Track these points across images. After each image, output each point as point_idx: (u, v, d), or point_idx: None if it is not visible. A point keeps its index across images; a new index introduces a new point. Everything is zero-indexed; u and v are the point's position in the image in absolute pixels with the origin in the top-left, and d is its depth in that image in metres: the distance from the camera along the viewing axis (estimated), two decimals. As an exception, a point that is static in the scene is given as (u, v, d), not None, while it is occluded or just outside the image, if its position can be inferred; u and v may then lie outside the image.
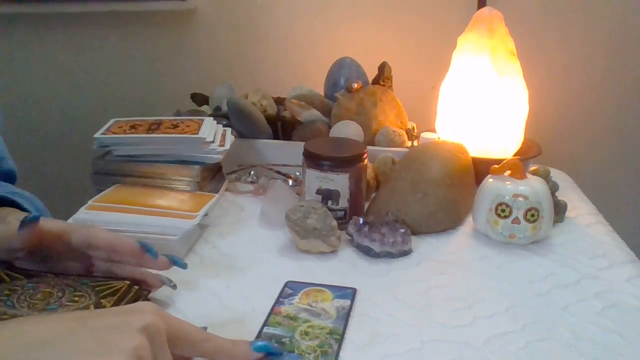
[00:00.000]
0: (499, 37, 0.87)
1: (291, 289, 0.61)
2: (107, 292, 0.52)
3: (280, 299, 0.59)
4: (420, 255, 0.70)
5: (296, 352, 0.50)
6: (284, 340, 0.52)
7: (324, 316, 0.56)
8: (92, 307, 0.49)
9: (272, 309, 0.57)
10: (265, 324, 0.55)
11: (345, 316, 0.56)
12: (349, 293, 0.61)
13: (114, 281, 0.54)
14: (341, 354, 0.51)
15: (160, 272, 0.57)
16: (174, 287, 0.58)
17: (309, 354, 0.50)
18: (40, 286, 0.52)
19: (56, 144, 1.45)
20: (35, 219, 0.54)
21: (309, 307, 0.57)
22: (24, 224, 0.53)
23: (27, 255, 0.56)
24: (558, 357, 0.51)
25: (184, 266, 0.57)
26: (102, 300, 0.50)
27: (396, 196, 0.76)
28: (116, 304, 0.51)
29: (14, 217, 0.57)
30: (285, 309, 0.57)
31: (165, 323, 0.41)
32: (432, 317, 0.57)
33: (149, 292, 0.56)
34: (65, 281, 0.54)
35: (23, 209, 0.65)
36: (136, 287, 0.54)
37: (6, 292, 0.51)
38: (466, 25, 0.90)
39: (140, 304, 0.42)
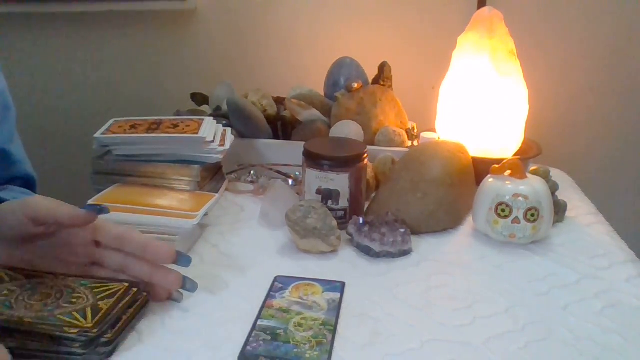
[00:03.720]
0: (499, 37, 0.87)
1: (281, 283, 0.62)
2: (105, 294, 0.52)
3: (271, 293, 0.60)
4: (420, 255, 0.70)
5: (292, 342, 0.51)
6: (278, 331, 0.53)
7: (315, 308, 0.57)
8: (89, 309, 0.49)
9: (264, 302, 0.58)
10: (258, 317, 0.55)
11: (336, 308, 0.57)
12: (338, 286, 0.62)
13: (114, 283, 0.54)
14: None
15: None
16: (179, 298, 0.58)
17: (305, 344, 0.51)
18: (39, 287, 0.52)
19: (56, 143, 1.45)
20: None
21: (300, 300, 0.59)
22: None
23: (42, 236, 0.55)
24: (558, 357, 0.51)
25: (193, 289, 0.58)
26: (99, 303, 0.51)
27: (396, 196, 0.76)
28: (114, 305, 0.51)
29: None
30: (277, 302, 0.58)
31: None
32: (432, 317, 0.57)
33: (148, 292, 0.56)
34: (64, 282, 0.54)
35: None
36: (135, 289, 0.54)
37: (5, 292, 0.51)
38: (466, 25, 0.90)
39: None
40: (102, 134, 0.80)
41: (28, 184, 0.75)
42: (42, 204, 0.53)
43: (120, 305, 0.51)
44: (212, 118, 0.87)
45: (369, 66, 1.05)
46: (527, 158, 0.91)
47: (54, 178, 1.39)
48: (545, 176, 0.77)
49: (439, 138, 0.93)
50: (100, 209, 0.55)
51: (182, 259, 0.56)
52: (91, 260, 0.57)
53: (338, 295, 0.60)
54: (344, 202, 0.74)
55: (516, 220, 0.71)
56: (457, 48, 0.91)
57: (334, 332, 0.53)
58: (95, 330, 0.47)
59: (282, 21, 1.35)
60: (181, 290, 0.58)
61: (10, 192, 0.70)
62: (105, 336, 0.48)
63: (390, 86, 1.04)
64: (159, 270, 0.56)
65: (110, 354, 0.49)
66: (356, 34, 1.32)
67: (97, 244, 0.57)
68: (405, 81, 1.17)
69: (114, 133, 0.80)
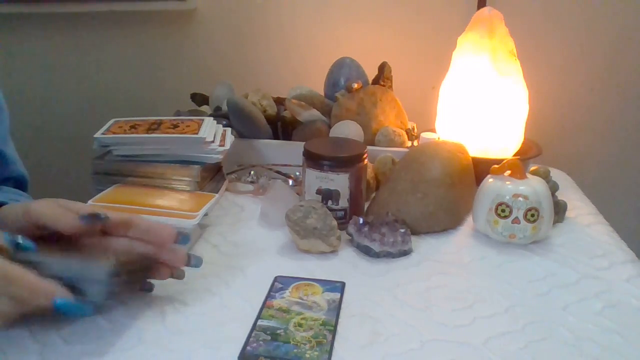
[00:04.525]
0: (499, 37, 0.87)
1: (281, 283, 0.62)
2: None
3: (271, 293, 0.60)
4: (420, 255, 0.70)
5: (292, 342, 0.51)
6: (278, 331, 0.53)
7: (315, 309, 0.57)
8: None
9: (264, 302, 0.58)
10: (258, 317, 0.55)
11: (336, 308, 0.57)
12: (338, 286, 0.62)
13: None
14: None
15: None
16: (181, 275, 0.59)
17: (304, 344, 0.51)
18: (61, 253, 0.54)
19: (56, 143, 1.45)
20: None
21: (300, 300, 0.59)
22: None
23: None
24: (558, 357, 0.51)
25: (198, 264, 0.59)
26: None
27: (396, 196, 0.76)
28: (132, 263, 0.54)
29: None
30: (277, 302, 0.58)
31: None
32: (432, 317, 0.57)
33: (153, 270, 0.58)
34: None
35: None
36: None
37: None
38: (466, 25, 0.90)
39: None
40: (102, 134, 0.80)
41: (20, 184, 0.75)
42: (43, 212, 0.53)
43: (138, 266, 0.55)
44: (212, 118, 0.88)
45: (369, 66, 1.05)
46: (527, 158, 0.91)
47: (54, 178, 1.39)
48: (545, 176, 0.77)
49: (439, 138, 0.93)
50: (103, 218, 0.55)
51: (182, 238, 0.57)
52: (98, 249, 0.58)
53: (338, 295, 0.60)
54: (344, 202, 0.74)
55: (516, 221, 0.71)
56: (457, 48, 0.92)
57: (334, 332, 0.53)
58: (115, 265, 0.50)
59: (282, 21, 1.35)
60: (186, 268, 0.58)
61: (4, 193, 0.70)
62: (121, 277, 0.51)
63: (390, 86, 1.04)
64: (164, 248, 0.57)
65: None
66: (356, 34, 1.32)
67: (103, 232, 0.57)
68: (405, 81, 1.17)
69: (114, 133, 0.80)
